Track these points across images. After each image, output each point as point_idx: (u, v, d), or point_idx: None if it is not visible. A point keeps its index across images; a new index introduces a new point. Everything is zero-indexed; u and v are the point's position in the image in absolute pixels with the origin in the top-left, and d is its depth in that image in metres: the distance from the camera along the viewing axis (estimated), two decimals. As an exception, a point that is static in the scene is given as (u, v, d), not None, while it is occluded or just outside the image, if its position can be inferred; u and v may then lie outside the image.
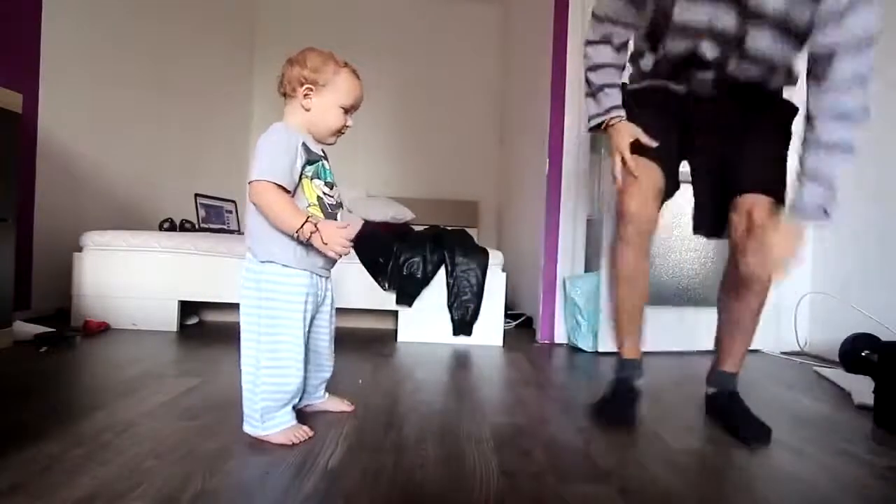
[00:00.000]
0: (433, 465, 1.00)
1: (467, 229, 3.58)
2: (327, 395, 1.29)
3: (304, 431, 1.08)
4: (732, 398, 1.31)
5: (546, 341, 2.37)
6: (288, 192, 1.05)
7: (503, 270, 2.38)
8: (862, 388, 1.56)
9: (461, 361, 1.96)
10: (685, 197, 2.31)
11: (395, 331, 2.36)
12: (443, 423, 1.24)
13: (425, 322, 2.30)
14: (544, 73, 2.46)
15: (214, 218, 3.24)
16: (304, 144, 1.09)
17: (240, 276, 1.12)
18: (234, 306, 2.49)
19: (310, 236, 1.02)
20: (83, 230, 2.33)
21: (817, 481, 1.02)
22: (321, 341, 1.23)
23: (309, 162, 1.09)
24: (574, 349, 2.25)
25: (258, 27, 4.26)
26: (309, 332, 1.14)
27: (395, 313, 2.36)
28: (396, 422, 1.23)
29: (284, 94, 1.15)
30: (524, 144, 3.09)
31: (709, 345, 2.20)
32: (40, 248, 2.35)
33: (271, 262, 1.07)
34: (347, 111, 1.15)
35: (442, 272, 2.31)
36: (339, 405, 1.29)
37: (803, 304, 2.36)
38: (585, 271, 2.39)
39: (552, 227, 2.37)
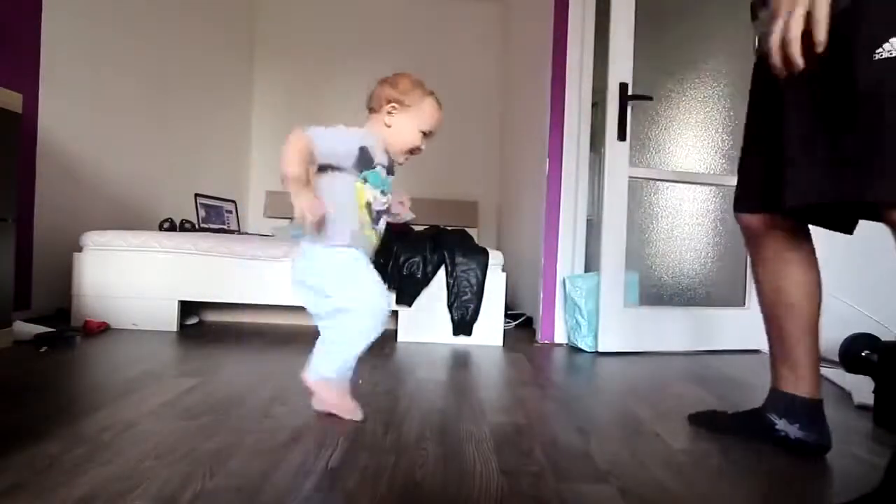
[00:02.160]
0: (433, 464, 1.00)
1: (467, 229, 3.58)
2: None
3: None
4: None
5: (546, 341, 2.37)
6: (311, 160, 1.13)
7: (503, 270, 2.38)
8: (862, 388, 1.56)
9: (461, 361, 1.96)
10: (685, 194, 2.32)
11: (395, 331, 2.36)
12: (443, 422, 1.24)
13: (425, 322, 2.30)
14: (544, 72, 2.46)
15: (214, 218, 3.24)
16: (365, 148, 1.17)
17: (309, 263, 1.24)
18: (234, 306, 2.52)
19: (290, 189, 1.09)
20: (83, 230, 2.33)
21: (817, 481, 1.02)
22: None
23: (366, 166, 1.18)
24: (574, 349, 2.25)
25: (258, 27, 4.27)
26: None
27: (395, 313, 2.36)
28: (396, 422, 1.23)
29: (371, 109, 1.26)
30: (524, 144, 3.09)
31: (708, 345, 2.20)
32: (40, 248, 2.35)
33: (334, 245, 1.19)
34: (425, 135, 1.25)
35: (442, 272, 2.31)
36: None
37: (803, 304, 2.36)
38: (585, 271, 2.39)
39: (552, 227, 2.37)
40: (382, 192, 1.23)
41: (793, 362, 1.13)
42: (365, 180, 1.18)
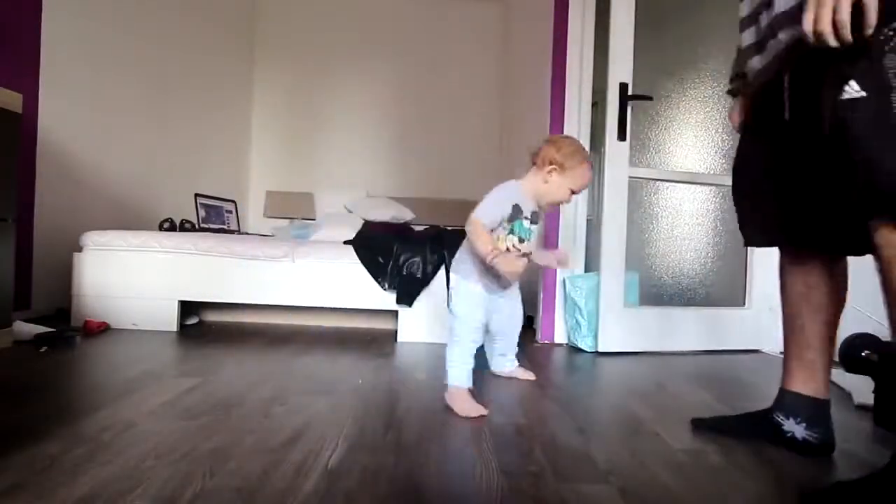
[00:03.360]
0: (433, 464, 1.00)
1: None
2: (515, 364, 1.70)
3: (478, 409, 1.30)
4: None
5: (546, 341, 2.37)
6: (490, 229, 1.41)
7: (503, 270, 2.38)
8: (862, 388, 1.56)
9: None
10: (685, 194, 2.32)
11: (395, 331, 2.36)
12: (443, 422, 1.24)
13: (425, 322, 2.30)
14: (544, 72, 2.46)
15: (214, 218, 3.24)
16: (517, 205, 1.41)
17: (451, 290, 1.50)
18: (234, 306, 2.52)
19: (494, 260, 1.35)
20: (83, 230, 2.33)
21: (817, 481, 1.02)
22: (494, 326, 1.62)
23: (514, 219, 1.42)
24: (574, 349, 2.25)
25: (258, 27, 4.27)
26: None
27: (395, 313, 2.36)
28: (396, 422, 1.23)
29: (534, 162, 1.47)
30: (524, 145, 3.09)
31: (709, 345, 2.20)
32: (40, 248, 2.35)
33: (466, 279, 1.47)
34: (573, 192, 1.46)
35: (442, 272, 2.31)
36: (524, 374, 1.67)
37: (803, 304, 2.36)
38: (585, 271, 2.39)
39: (552, 227, 2.37)
40: (521, 240, 1.44)
41: (806, 361, 1.14)
42: (511, 231, 1.42)
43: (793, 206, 1.11)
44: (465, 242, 1.48)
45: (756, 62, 1.13)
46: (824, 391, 1.14)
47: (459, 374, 1.37)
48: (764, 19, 1.09)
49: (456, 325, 1.43)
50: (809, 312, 1.14)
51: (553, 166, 1.42)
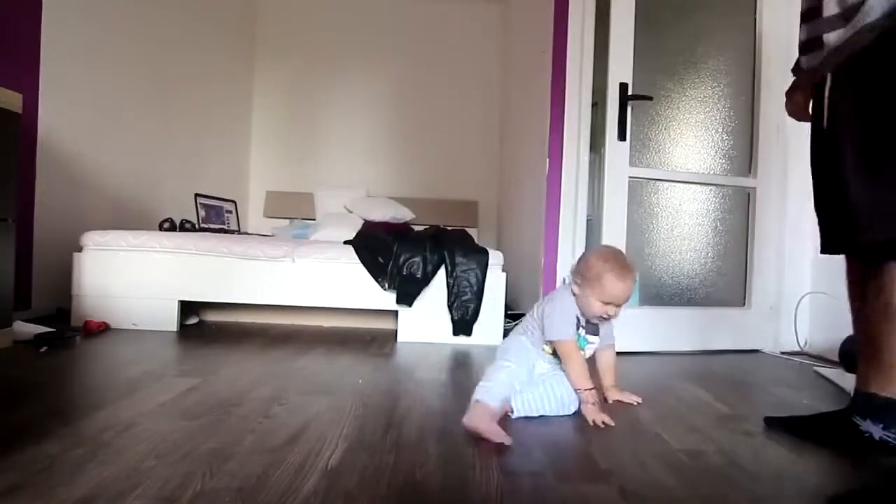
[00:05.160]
0: (433, 464, 1.00)
1: (467, 229, 3.59)
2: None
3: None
4: None
5: (546, 341, 2.37)
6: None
7: (503, 270, 2.38)
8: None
9: (461, 361, 1.96)
10: (685, 194, 2.32)
11: (395, 331, 2.36)
12: (443, 422, 1.24)
13: (425, 322, 2.30)
14: (544, 72, 2.46)
15: (214, 218, 3.25)
16: (577, 317, 1.40)
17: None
18: (234, 306, 2.52)
19: (585, 398, 1.32)
20: (83, 230, 2.33)
21: (817, 481, 1.03)
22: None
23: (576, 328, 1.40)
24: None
25: (258, 27, 4.27)
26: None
27: (395, 313, 2.36)
28: (396, 422, 1.23)
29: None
30: (524, 144, 3.10)
31: (708, 345, 2.20)
32: (40, 248, 2.35)
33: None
34: (608, 303, 1.36)
35: (442, 272, 2.31)
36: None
37: (803, 304, 2.36)
38: (585, 271, 2.39)
39: (552, 227, 2.37)
40: (581, 346, 1.40)
41: (883, 364, 1.15)
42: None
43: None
44: (532, 322, 1.44)
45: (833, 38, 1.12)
46: None
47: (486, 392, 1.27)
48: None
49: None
50: (889, 321, 1.14)
51: (578, 279, 1.39)
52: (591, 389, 1.32)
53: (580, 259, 1.45)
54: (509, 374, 1.33)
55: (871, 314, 1.16)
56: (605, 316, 1.37)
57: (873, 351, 1.16)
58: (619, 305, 1.36)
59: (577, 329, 1.39)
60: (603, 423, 1.26)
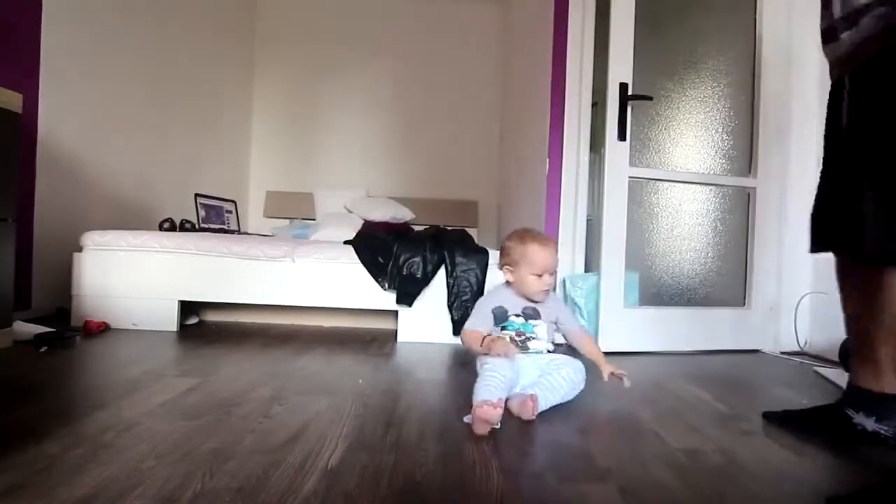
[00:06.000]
0: (433, 464, 1.00)
1: (467, 229, 3.59)
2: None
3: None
4: None
5: (546, 341, 2.37)
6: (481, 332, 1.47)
7: (503, 270, 2.38)
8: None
9: (461, 361, 1.96)
10: (685, 194, 2.32)
11: (395, 331, 2.36)
12: (443, 422, 1.24)
13: (425, 322, 2.30)
14: (545, 72, 2.46)
15: (214, 218, 3.24)
16: (498, 307, 1.49)
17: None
18: (234, 306, 2.52)
19: (488, 347, 1.39)
20: (83, 230, 2.33)
21: (816, 480, 1.03)
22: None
23: (501, 321, 1.49)
24: (574, 349, 2.25)
25: (259, 27, 4.27)
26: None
27: (395, 313, 2.36)
28: (396, 422, 1.23)
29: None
30: (524, 144, 3.09)
31: (708, 345, 2.20)
32: (40, 248, 2.35)
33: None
34: (541, 275, 1.45)
35: (442, 272, 2.31)
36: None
37: (803, 304, 2.36)
38: (585, 271, 2.39)
39: (552, 227, 2.37)
40: (521, 334, 1.47)
41: (875, 361, 1.17)
42: (503, 328, 1.49)
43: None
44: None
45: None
46: (893, 387, 1.17)
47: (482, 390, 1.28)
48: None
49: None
50: (881, 321, 1.16)
51: (506, 265, 1.50)
52: (486, 337, 1.42)
53: (500, 250, 1.54)
54: (496, 376, 1.30)
55: (862, 312, 1.18)
56: (546, 288, 1.45)
57: (865, 347, 1.18)
58: (551, 274, 1.46)
59: (508, 318, 1.48)
60: (511, 348, 1.37)
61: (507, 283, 1.52)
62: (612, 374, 1.45)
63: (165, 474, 0.90)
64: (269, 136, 4.32)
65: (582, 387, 1.43)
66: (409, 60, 4.28)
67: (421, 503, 0.86)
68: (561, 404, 1.38)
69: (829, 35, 1.17)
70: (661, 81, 2.28)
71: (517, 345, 1.46)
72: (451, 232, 3.07)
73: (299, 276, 2.34)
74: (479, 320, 1.50)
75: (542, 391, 1.34)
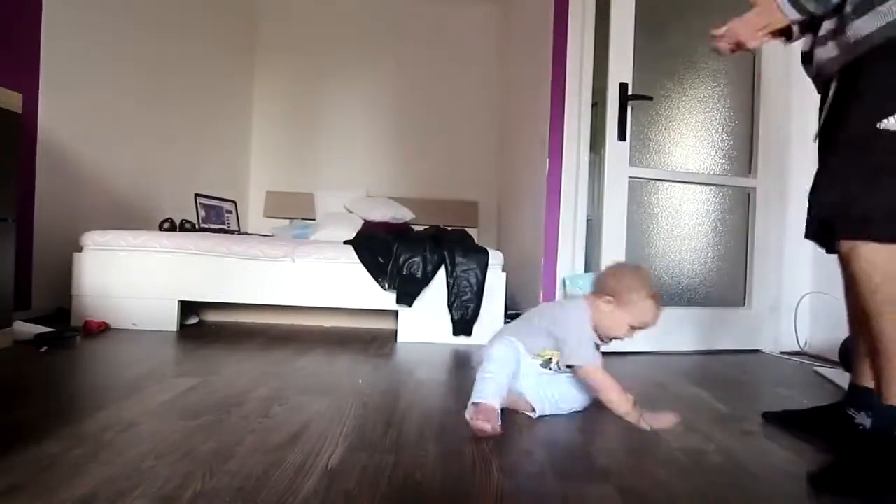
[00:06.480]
0: (433, 464, 1.00)
1: (467, 229, 3.59)
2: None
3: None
4: None
5: (546, 341, 2.37)
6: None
7: (503, 270, 2.38)
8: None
9: (461, 361, 1.96)
10: (685, 194, 2.32)
11: (395, 331, 2.36)
12: (443, 422, 1.24)
13: (425, 322, 2.30)
14: (544, 72, 2.46)
15: (214, 218, 3.24)
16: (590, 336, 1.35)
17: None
18: (234, 306, 2.52)
19: (636, 421, 1.27)
20: (83, 230, 2.33)
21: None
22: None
23: None
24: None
25: (259, 28, 4.27)
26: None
27: (395, 313, 2.36)
28: (396, 421, 1.23)
29: (594, 292, 1.39)
30: (524, 144, 3.09)
31: (708, 345, 2.20)
32: (40, 248, 2.35)
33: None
34: (633, 328, 1.34)
35: (442, 272, 2.31)
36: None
37: (803, 304, 2.36)
38: (585, 271, 2.39)
39: (552, 227, 2.37)
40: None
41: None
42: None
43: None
44: (526, 327, 1.40)
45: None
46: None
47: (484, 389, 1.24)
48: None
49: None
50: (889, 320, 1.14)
51: (610, 297, 1.33)
52: (634, 405, 1.28)
53: (612, 275, 1.37)
54: (496, 380, 1.25)
55: (847, 303, 1.18)
56: (625, 338, 1.34)
57: (869, 342, 1.16)
58: (644, 330, 1.34)
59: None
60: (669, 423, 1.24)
61: (586, 306, 1.36)
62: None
63: (165, 474, 0.90)
64: (269, 136, 4.32)
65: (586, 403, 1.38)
66: (409, 60, 4.28)
67: (421, 503, 0.86)
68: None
69: (805, 57, 1.22)
70: (661, 81, 2.29)
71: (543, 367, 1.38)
72: (451, 232, 3.07)
73: (299, 276, 2.34)
74: (591, 350, 1.34)
75: (542, 403, 1.32)
